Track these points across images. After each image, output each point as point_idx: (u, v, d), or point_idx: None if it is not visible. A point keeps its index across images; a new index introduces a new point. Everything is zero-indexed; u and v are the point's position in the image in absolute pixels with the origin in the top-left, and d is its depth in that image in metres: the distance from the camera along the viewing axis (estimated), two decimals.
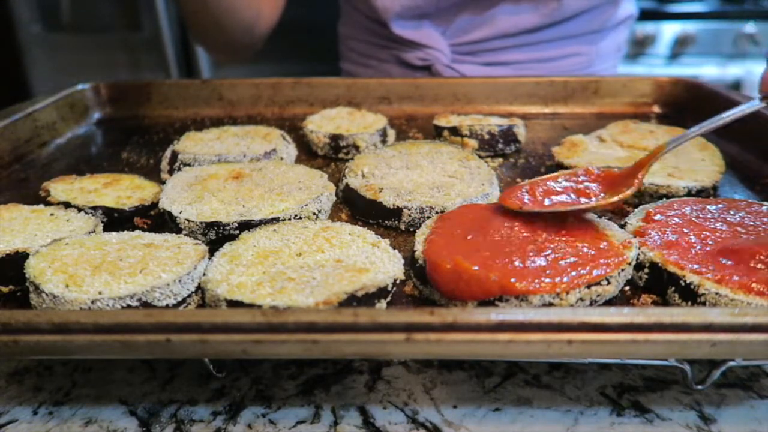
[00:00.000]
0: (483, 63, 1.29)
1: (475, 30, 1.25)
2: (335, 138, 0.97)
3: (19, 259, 0.60)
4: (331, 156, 0.98)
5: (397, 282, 0.59)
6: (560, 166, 0.86)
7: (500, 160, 0.97)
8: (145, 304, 0.55)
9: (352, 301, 0.54)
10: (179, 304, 0.57)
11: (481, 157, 0.89)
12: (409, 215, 0.73)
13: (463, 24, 1.25)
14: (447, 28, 1.26)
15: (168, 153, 0.92)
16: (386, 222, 0.75)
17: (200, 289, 0.59)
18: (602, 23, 1.29)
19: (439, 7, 1.22)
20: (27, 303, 0.58)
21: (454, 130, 0.98)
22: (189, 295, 0.58)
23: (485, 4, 1.22)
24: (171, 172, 0.88)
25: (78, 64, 2.66)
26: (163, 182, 0.83)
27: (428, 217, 0.71)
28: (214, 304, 0.55)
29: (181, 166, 0.88)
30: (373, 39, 1.33)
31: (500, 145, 0.97)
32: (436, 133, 1.01)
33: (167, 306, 0.56)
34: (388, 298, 0.58)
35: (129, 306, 0.54)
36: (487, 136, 0.96)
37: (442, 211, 0.71)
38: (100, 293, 0.54)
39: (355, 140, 0.96)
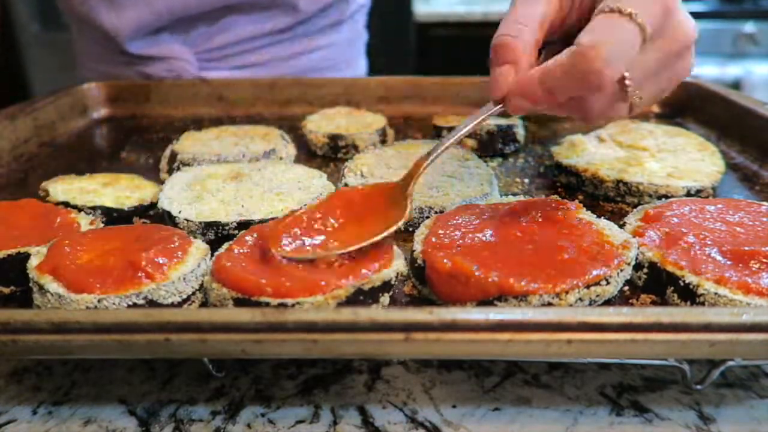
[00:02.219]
0: (232, 67, 1.29)
1: (214, 37, 1.25)
2: (334, 138, 0.97)
3: (20, 260, 0.60)
4: (330, 156, 0.98)
5: (399, 276, 0.59)
6: (559, 166, 0.86)
7: (499, 159, 0.97)
8: (152, 303, 0.55)
9: (359, 294, 0.54)
10: (184, 301, 0.57)
11: (480, 156, 0.89)
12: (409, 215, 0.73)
13: (201, 33, 1.24)
14: (186, 37, 1.25)
15: (167, 153, 0.92)
16: None
17: (203, 287, 0.59)
18: (339, 17, 1.34)
19: (173, 19, 1.20)
20: (27, 304, 0.58)
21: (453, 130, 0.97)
22: (193, 293, 0.58)
23: (216, 16, 1.22)
24: (170, 171, 0.88)
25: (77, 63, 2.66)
26: (162, 182, 0.83)
27: (427, 217, 0.71)
28: (220, 303, 0.55)
29: (180, 165, 0.88)
30: (113, 57, 1.29)
31: (499, 145, 0.97)
32: (436, 133, 1.01)
33: (172, 304, 0.56)
34: (391, 292, 0.59)
35: (135, 304, 0.54)
36: (486, 136, 0.96)
37: (440, 211, 0.71)
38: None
39: (354, 140, 0.96)
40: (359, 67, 1.48)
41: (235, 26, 1.24)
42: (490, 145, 0.97)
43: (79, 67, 1.39)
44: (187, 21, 1.22)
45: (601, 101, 0.60)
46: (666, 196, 0.76)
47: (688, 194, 0.77)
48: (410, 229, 0.73)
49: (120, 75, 1.29)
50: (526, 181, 0.89)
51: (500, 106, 0.62)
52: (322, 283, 0.54)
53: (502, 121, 0.99)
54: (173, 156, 0.90)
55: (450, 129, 0.98)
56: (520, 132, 0.99)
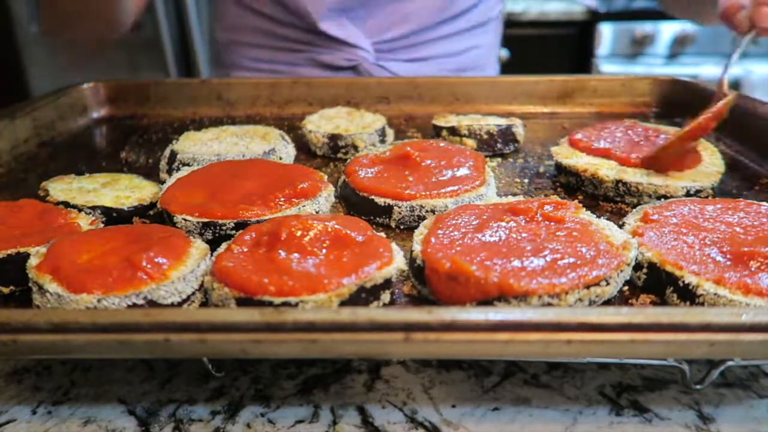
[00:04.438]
0: (404, 60, 1.30)
1: (389, 29, 1.26)
2: (334, 138, 0.97)
3: (19, 260, 0.60)
4: (329, 156, 0.98)
5: (400, 274, 0.60)
6: (559, 166, 0.86)
7: (499, 159, 0.97)
8: (151, 303, 0.55)
9: (362, 292, 0.55)
10: (184, 301, 0.57)
11: None
12: (399, 213, 0.73)
13: (378, 22, 1.25)
14: (364, 26, 1.25)
15: (167, 153, 0.92)
16: (378, 219, 0.75)
17: (203, 287, 0.59)
18: (486, 14, 1.35)
19: (364, 1, 1.21)
20: (27, 303, 0.58)
21: (453, 130, 0.98)
22: (193, 293, 0.58)
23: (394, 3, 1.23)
24: (170, 171, 0.88)
25: (77, 63, 2.66)
26: (162, 182, 0.82)
27: (419, 216, 0.72)
28: (222, 303, 0.55)
29: (180, 165, 0.88)
30: (278, 43, 1.28)
31: (499, 145, 0.97)
32: (435, 133, 1.01)
33: (172, 304, 0.56)
34: (392, 289, 0.59)
35: (135, 304, 0.54)
36: (485, 136, 0.96)
37: (431, 210, 0.72)
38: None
39: (353, 140, 0.96)
40: (496, 69, 1.48)
41: (411, 15, 1.25)
42: (489, 145, 0.97)
43: (225, 58, 1.37)
44: (372, 5, 1.23)
45: None
46: (665, 196, 0.76)
47: (688, 194, 0.77)
48: (401, 227, 0.73)
49: (285, 62, 1.29)
50: (526, 181, 0.89)
51: (754, 32, 0.92)
52: (325, 281, 0.54)
53: (502, 121, 0.99)
54: (173, 156, 0.90)
55: (449, 129, 0.98)
56: (519, 132, 0.99)
